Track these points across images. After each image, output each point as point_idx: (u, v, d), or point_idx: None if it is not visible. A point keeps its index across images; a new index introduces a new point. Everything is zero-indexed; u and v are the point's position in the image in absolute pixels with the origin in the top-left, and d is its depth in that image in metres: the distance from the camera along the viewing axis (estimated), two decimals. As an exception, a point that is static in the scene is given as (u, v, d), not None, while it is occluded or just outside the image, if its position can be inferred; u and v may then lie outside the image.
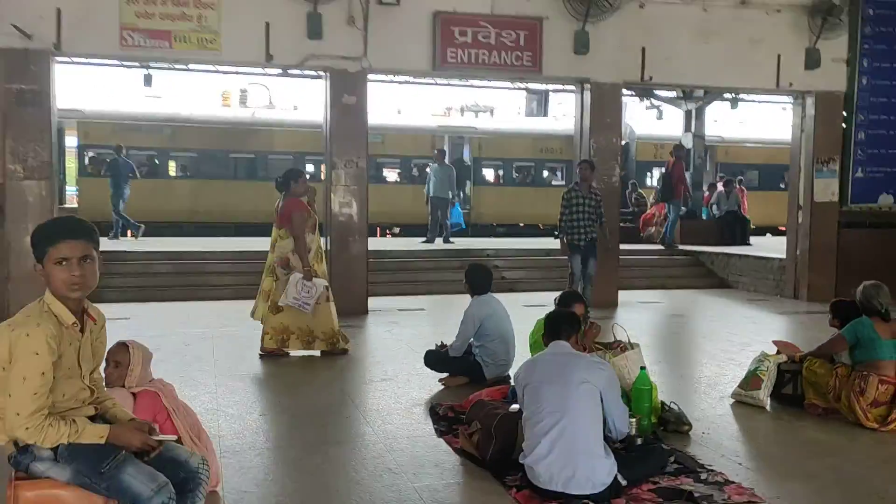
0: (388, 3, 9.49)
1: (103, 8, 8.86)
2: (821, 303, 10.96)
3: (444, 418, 5.06)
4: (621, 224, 12.37)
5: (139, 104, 19.79)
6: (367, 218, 10.06)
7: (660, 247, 15.18)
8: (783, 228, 20.46)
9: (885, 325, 5.13)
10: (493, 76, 10.86)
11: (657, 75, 10.72)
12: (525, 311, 8.31)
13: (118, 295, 10.54)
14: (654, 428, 4.74)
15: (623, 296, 11.03)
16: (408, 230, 19.32)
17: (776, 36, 11.05)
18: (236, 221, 19.07)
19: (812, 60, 11.12)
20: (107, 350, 3.09)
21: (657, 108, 22.61)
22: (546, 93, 23.54)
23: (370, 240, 10.35)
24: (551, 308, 5.27)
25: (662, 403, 4.97)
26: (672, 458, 4.22)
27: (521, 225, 21.66)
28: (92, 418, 2.73)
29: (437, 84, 14.70)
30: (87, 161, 18.73)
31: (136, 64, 11.91)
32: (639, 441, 4.26)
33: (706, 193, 18.26)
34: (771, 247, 14.45)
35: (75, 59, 10.72)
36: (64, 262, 2.59)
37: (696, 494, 3.78)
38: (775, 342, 5.97)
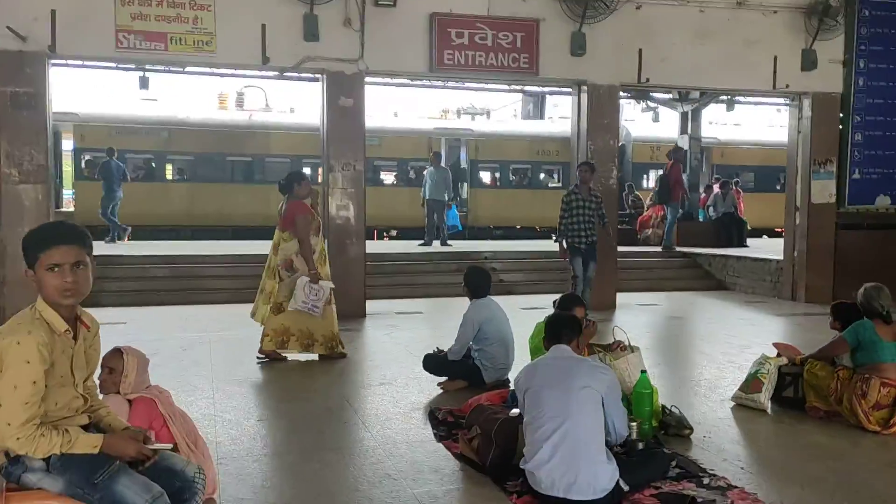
0: (385, 4, 9.46)
1: (98, 10, 8.81)
2: (819, 304, 10.99)
3: (444, 423, 5.01)
4: (618, 226, 12.35)
5: (135, 107, 19.74)
6: (365, 221, 10.03)
7: (657, 248, 15.16)
8: (779, 230, 20.55)
9: (886, 327, 5.09)
10: (489, 78, 10.82)
11: (654, 77, 10.69)
12: (523, 313, 8.29)
13: (115, 299, 10.50)
14: (655, 432, 4.70)
15: (621, 298, 11.01)
16: (405, 233, 19.29)
17: (773, 37, 11.05)
18: (233, 225, 19.03)
19: (808, 62, 11.12)
20: (101, 356, 3.04)
21: (653, 110, 22.58)
22: (542, 95, 23.51)
23: (367, 243, 10.31)
24: (550, 311, 5.25)
25: (663, 407, 4.93)
26: (674, 463, 4.18)
27: (518, 227, 21.64)
28: (85, 427, 2.67)
29: (433, 86, 14.66)
30: (83, 164, 18.66)
31: (132, 66, 11.83)
32: (640, 446, 4.21)
33: (702, 195, 18.26)
34: (768, 248, 14.44)
35: (70, 62, 10.67)
36: (56, 268, 2.53)
37: (698, 500, 3.74)
38: (776, 344, 5.93)
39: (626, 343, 5.10)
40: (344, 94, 9.65)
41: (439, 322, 9.27)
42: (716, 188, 17.73)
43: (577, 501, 3.54)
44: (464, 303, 6.28)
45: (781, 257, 12.18)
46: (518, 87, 15.45)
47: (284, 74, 10.22)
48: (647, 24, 10.56)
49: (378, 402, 5.67)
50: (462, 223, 19.89)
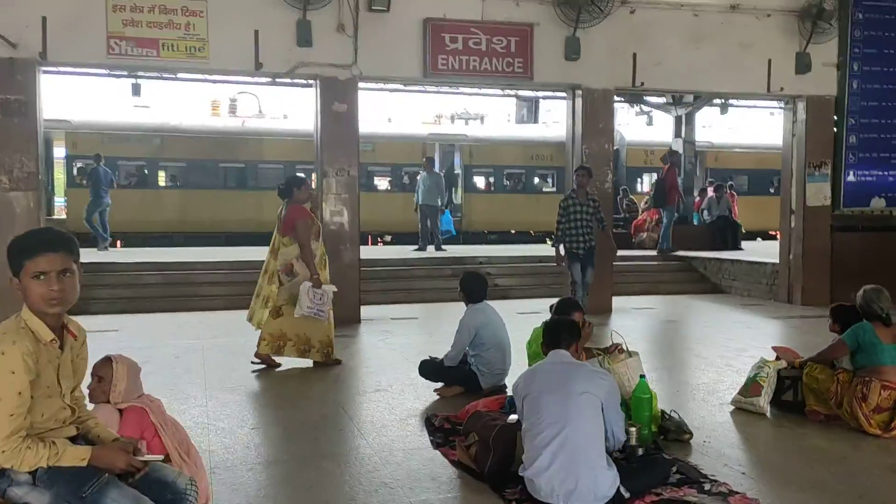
0: (378, 9, 9.42)
1: (90, 16, 8.75)
2: (815, 307, 10.96)
3: (440, 430, 4.95)
4: (613, 230, 12.31)
5: (128, 114, 19.67)
6: (359, 226, 9.97)
7: (652, 252, 15.14)
8: (773, 233, 20.57)
9: (886, 329, 5.06)
10: (484, 83, 10.81)
11: (648, 81, 10.68)
12: (519, 318, 8.22)
13: (106, 307, 10.42)
14: (654, 437, 4.65)
15: (616, 302, 10.97)
16: (399, 238, 19.25)
17: (767, 40, 11.04)
18: (226, 231, 18.95)
19: (803, 65, 11.11)
20: (91, 365, 2.97)
21: (647, 113, 22.65)
22: (536, 100, 23.54)
23: (362, 248, 10.25)
24: (546, 315, 5.21)
25: (662, 412, 4.88)
26: (674, 469, 4.12)
27: (513, 232, 21.62)
28: (73, 439, 2.60)
29: (427, 92, 14.66)
30: (75, 172, 18.57)
31: (124, 73, 11.83)
32: (640, 451, 4.17)
33: (697, 199, 18.27)
34: (763, 251, 14.42)
35: (62, 69, 10.63)
36: (42, 276, 2.47)
37: (700, 506, 3.69)
38: (774, 348, 5.89)
39: (625, 348, 5.05)
40: (338, 100, 9.60)
41: (435, 327, 9.21)
42: (710, 191, 17.75)
43: (577, 509, 3.49)
44: (459, 308, 6.23)
45: (777, 260, 12.16)
46: (512, 92, 15.50)
47: (277, 80, 10.19)
48: (642, 28, 10.55)
49: (374, 409, 5.61)
50: (456, 228, 19.87)
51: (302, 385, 6.53)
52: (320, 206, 9.55)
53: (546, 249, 14.86)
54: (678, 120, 17.30)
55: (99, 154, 15.54)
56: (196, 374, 6.70)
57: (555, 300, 5.45)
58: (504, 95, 16.50)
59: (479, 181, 22.11)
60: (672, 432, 4.75)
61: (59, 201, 20.69)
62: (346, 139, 9.74)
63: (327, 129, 9.68)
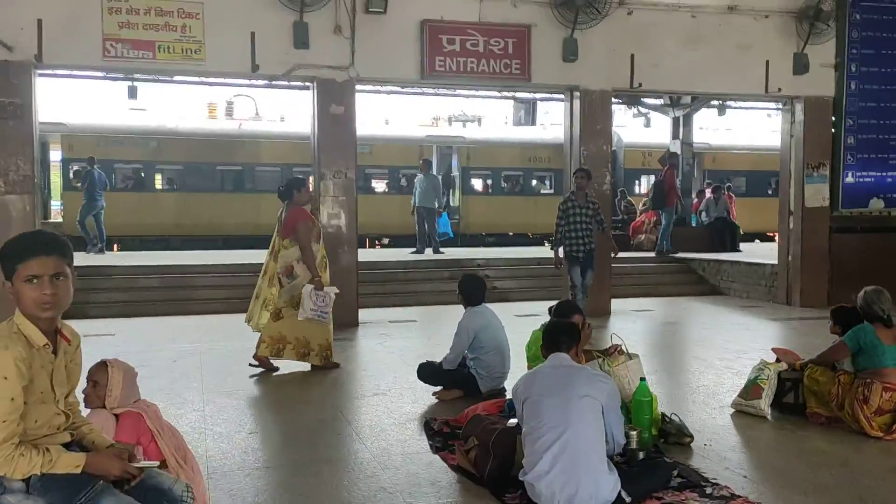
0: (375, 11, 9.39)
1: (85, 18, 8.71)
2: (814, 308, 10.96)
3: (439, 433, 4.91)
4: (612, 232, 12.28)
5: (124, 117, 19.62)
6: (357, 229, 9.93)
7: (650, 254, 15.11)
8: (771, 234, 20.55)
9: (887, 330, 5.02)
10: (481, 84, 10.77)
11: (646, 82, 10.66)
12: (518, 321, 8.19)
13: (103, 310, 10.37)
14: (654, 440, 4.62)
15: (615, 304, 10.95)
16: (397, 241, 19.21)
17: (764, 41, 11.03)
18: (224, 234, 18.91)
19: (800, 66, 11.10)
20: (86, 370, 2.93)
21: (645, 115, 22.63)
22: (534, 102, 23.52)
23: (359, 251, 10.21)
24: (545, 318, 5.17)
25: (663, 415, 4.85)
26: (675, 472, 4.09)
27: (511, 234, 21.59)
28: (68, 445, 2.56)
29: (424, 94, 14.63)
30: (71, 175, 18.50)
31: (120, 76, 11.77)
32: (641, 455, 4.13)
33: (695, 200, 18.25)
34: (761, 253, 14.41)
35: (57, 72, 10.59)
36: (35, 280, 2.42)
37: (702, 510, 3.66)
38: (775, 350, 5.86)
39: (624, 348, 5.02)
40: (335, 102, 9.57)
41: (433, 330, 9.18)
42: (708, 193, 17.73)
43: (578, 514, 3.45)
44: (457, 311, 6.19)
45: (775, 261, 12.14)
46: (510, 94, 15.48)
47: (274, 82, 10.15)
48: (639, 30, 10.53)
49: (372, 413, 5.57)
50: (454, 230, 19.83)
51: (300, 389, 6.49)
52: (317, 209, 9.52)
53: (544, 251, 14.84)
54: (676, 121, 17.29)
55: (92, 157, 15.47)
56: (193, 379, 6.65)
57: (553, 302, 5.42)
58: (502, 97, 16.45)
59: (477, 183, 22.08)
60: (673, 435, 4.72)
61: (56, 204, 20.62)
62: (343, 141, 9.70)
63: (324, 131, 9.65)
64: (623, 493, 3.57)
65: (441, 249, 15.29)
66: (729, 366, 7.15)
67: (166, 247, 18.17)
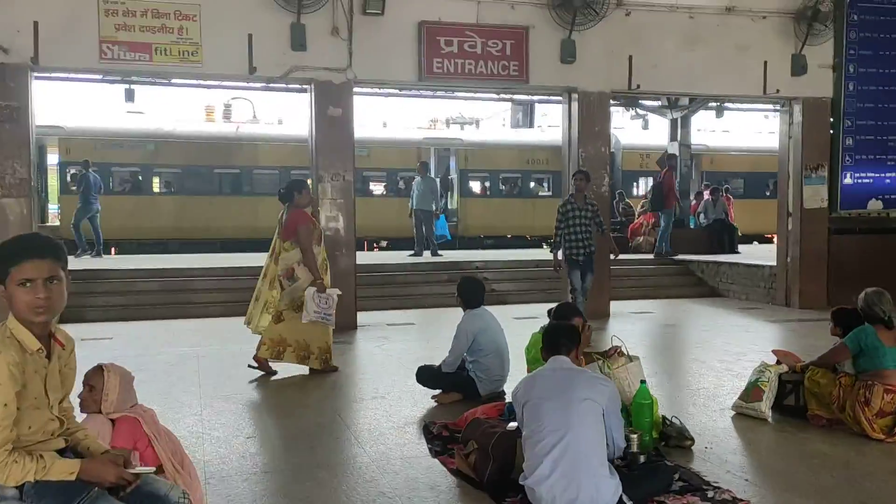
0: (373, 13, 9.36)
1: (82, 21, 8.68)
2: (813, 310, 10.94)
3: (439, 437, 4.88)
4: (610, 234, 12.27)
5: (121, 120, 19.58)
6: (355, 231, 9.90)
7: (649, 256, 15.10)
8: (769, 236, 20.53)
9: (888, 332, 4.99)
10: (479, 86, 10.75)
11: (645, 83, 10.64)
12: (516, 323, 8.17)
13: (101, 314, 10.35)
14: (655, 444, 4.59)
15: (614, 306, 10.92)
16: (395, 243, 19.18)
17: (762, 42, 11.02)
18: (221, 237, 18.86)
19: (798, 67, 11.09)
20: (81, 375, 2.89)
21: (643, 117, 22.61)
22: (532, 104, 23.47)
23: (358, 254, 10.18)
24: (544, 320, 5.14)
25: (663, 418, 4.82)
26: (677, 476, 4.06)
27: (509, 236, 21.57)
28: (62, 451, 2.52)
29: (422, 96, 14.61)
30: (68, 178, 18.45)
31: (118, 78, 11.73)
32: (642, 458, 4.10)
33: (693, 202, 18.23)
34: (760, 254, 14.40)
35: (54, 75, 10.54)
36: (28, 284, 2.38)
37: (704, 514, 3.63)
38: (775, 352, 5.83)
39: (626, 353, 4.99)
40: (332, 104, 9.54)
41: (432, 333, 9.15)
42: (706, 195, 17.72)
43: (579, 518, 3.42)
44: (456, 313, 6.16)
45: (774, 263, 12.12)
46: (507, 96, 15.44)
47: (272, 84, 10.12)
48: (637, 31, 10.51)
49: (371, 417, 5.53)
50: (452, 233, 19.80)
51: (298, 393, 6.45)
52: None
53: (543, 253, 14.81)
54: (674, 123, 17.27)
55: (87, 160, 15.41)
56: (191, 383, 6.61)
57: (553, 305, 5.39)
58: (499, 100, 16.42)
59: (475, 186, 22.06)
60: (673, 438, 4.69)
61: (53, 208, 20.56)
62: (341, 143, 9.67)
63: (322, 133, 9.62)
64: (624, 498, 3.53)
65: (439, 252, 15.26)
66: (729, 368, 7.13)
67: (164, 250, 18.13)
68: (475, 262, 13.53)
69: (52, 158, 19.37)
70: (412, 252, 15.19)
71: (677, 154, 16.79)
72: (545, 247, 19.26)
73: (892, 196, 11.81)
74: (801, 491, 4.05)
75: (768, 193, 22.14)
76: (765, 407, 5.29)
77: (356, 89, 9.86)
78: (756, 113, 22.16)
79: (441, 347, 6.18)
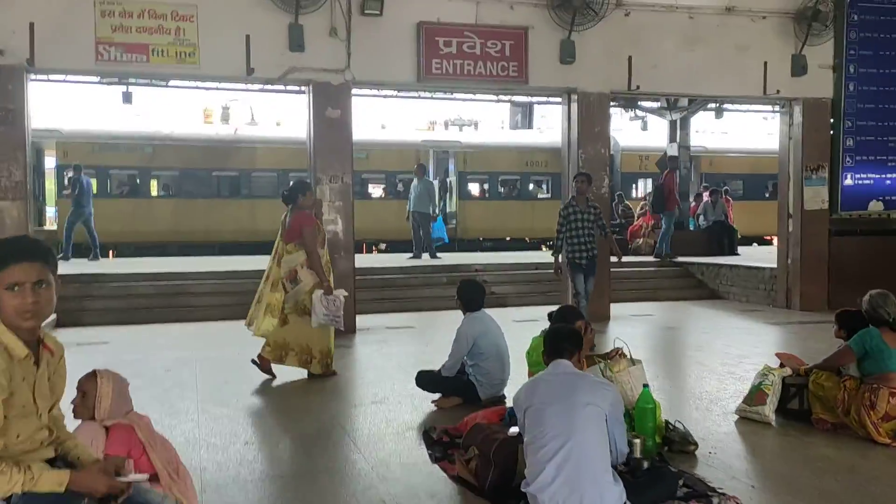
0: (371, 13, 9.31)
1: (78, 22, 8.62)
2: (814, 312, 10.89)
3: (439, 443, 4.81)
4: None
5: (119, 123, 19.50)
6: (354, 234, 9.84)
7: (648, 258, 15.04)
8: (768, 238, 20.49)
9: (893, 335, 4.93)
10: (478, 87, 10.69)
11: (644, 84, 10.58)
12: (516, 326, 8.10)
13: (97, 318, 10.27)
14: (658, 449, 4.52)
15: (615, 309, 10.85)
16: (394, 246, 19.12)
17: (762, 43, 10.98)
18: (220, 241, 18.79)
19: (798, 67, 11.04)
20: (74, 381, 2.83)
21: (642, 118, 22.58)
22: (531, 105, 23.42)
23: (356, 256, 10.12)
24: (544, 323, 5.08)
25: (666, 422, 4.75)
26: (681, 482, 3.99)
27: (508, 239, 21.51)
28: (52, 461, 2.45)
29: (421, 98, 14.54)
30: (66, 181, 18.36)
31: (115, 80, 11.67)
32: (645, 464, 4.03)
33: (692, 204, 18.18)
34: (759, 256, 14.35)
35: (51, 77, 10.49)
36: (16, 288, 2.32)
37: (709, 521, 3.56)
38: (779, 355, 5.77)
39: (627, 352, 4.92)
40: (331, 105, 9.48)
41: (431, 337, 9.08)
42: (706, 196, 17.67)
43: (582, 526, 3.35)
44: (456, 316, 6.09)
45: (774, 265, 12.06)
46: (506, 98, 15.38)
47: (270, 86, 10.06)
48: (637, 31, 10.47)
49: (370, 422, 5.46)
50: (451, 235, 19.74)
51: (297, 398, 6.39)
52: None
53: (542, 256, 14.75)
54: (673, 125, 17.21)
55: (79, 164, 15.30)
56: (188, 388, 6.53)
57: (553, 308, 5.33)
58: (498, 101, 16.35)
59: (474, 188, 22.00)
60: (677, 443, 4.62)
61: (51, 211, 20.47)
62: (339, 145, 9.61)
63: (320, 135, 9.55)
64: (628, 504, 3.47)
65: (438, 254, 15.20)
66: (731, 371, 7.06)
67: (162, 253, 18.04)
68: (474, 265, 13.46)
69: (51, 162, 19.29)
70: (411, 255, 15.13)
71: (677, 155, 16.73)
72: (544, 249, 19.22)
73: (893, 197, 11.76)
74: (805, 496, 3.99)
75: (767, 195, 22.11)
76: (768, 411, 5.23)
77: (355, 90, 9.81)
78: (754, 114, 22.13)
79: (441, 351, 6.12)
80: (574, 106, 10.50)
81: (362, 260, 12.73)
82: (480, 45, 9.77)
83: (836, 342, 5.40)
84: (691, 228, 17.62)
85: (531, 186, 22.25)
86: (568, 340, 3.85)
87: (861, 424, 4.86)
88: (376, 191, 21.34)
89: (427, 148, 21.45)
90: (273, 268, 6.96)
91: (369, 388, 6.55)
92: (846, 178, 11.55)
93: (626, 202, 19.41)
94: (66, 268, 11.94)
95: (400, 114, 28.48)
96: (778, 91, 11.12)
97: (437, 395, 5.89)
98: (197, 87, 11.92)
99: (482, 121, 29.41)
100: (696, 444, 4.64)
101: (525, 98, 17.81)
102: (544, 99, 16.76)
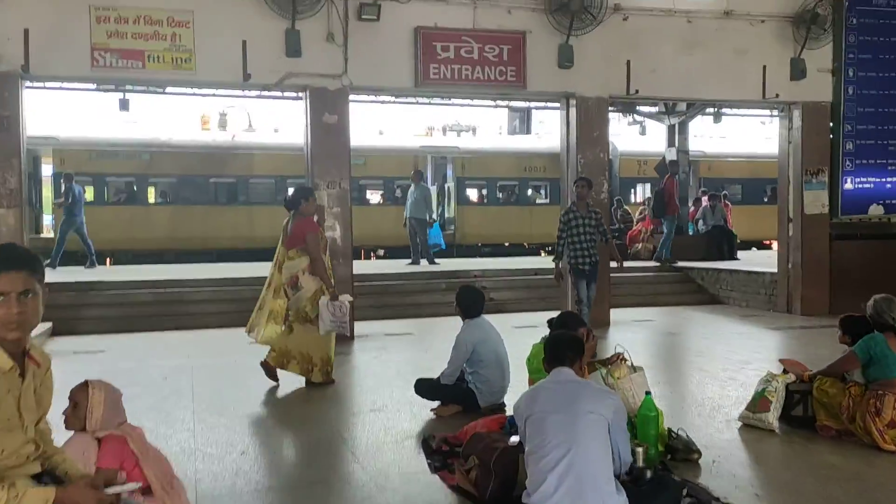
0: (368, 18, 9.27)
1: (73, 28, 8.57)
2: (815, 317, 10.83)
3: (438, 452, 4.73)
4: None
5: (116, 130, 19.44)
6: (352, 240, 9.78)
7: (648, 263, 14.99)
8: (768, 242, 20.44)
9: (899, 340, 4.87)
10: (476, 92, 10.64)
11: (643, 88, 10.53)
12: (516, 332, 8.04)
13: (94, 326, 10.19)
14: (661, 457, 4.45)
15: (614, 314, 10.78)
16: (392, 252, 19.06)
17: (761, 47, 10.94)
18: (217, 248, 18.72)
19: (797, 71, 11.01)
20: (63, 393, 2.76)
21: (640, 123, 22.54)
22: (529, 110, 23.43)
23: (355, 263, 10.05)
24: (544, 329, 5.00)
25: (669, 430, 4.68)
26: (685, 491, 3.91)
27: (507, 244, 21.45)
28: (38, 476, 2.38)
29: (419, 103, 14.50)
30: (62, 189, 18.27)
31: (111, 87, 11.61)
32: (648, 473, 3.95)
33: (692, 208, 18.14)
34: (759, 261, 14.29)
35: (48, 84, 10.44)
36: (1, 297, 2.26)
37: (714, 532, 3.49)
38: (782, 361, 5.71)
39: (627, 358, 4.86)
40: (328, 111, 9.43)
41: (430, 343, 9.01)
42: (705, 201, 17.62)
43: (585, 537, 3.28)
44: (455, 322, 6.02)
45: (775, 270, 12.00)
46: (504, 103, 15.34)
47: (267, 92, 10.00)
48: (635, 36, 10.43)
49: (369, 431, 5.39)
50: (449, 241, 19.67)
51: (295, 406, 6.32)
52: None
53: (541, 261, 14.70)
54: (671, 129, 17.18)
55: (70, 173, 15.22)
56: (184, 396, 6.46)
57: (553, 314, 5.26)
58: (496, 106, 16.32)
59: (472, 193, 21.95)
60: (680, 452, 4.55)
61: (47, 219, 20.39)
62: (337, 151, 9.56)
63: (318, 141, 9.50)
64: (632, 515, 3.40)
65: (436, 260, 15.14)
66: (733, 377, 6.99)
67: (159, 261, 17.96)
68: (473, 271, 13.40)
69: (48, 169, 19.21)
70: (410, 261, 15.08)
71: (676, 160, 16.69)
72: (543, 254, 19.17)
73: (894, 201, 11.71)
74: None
75: (766, 199, 22.07)
76: (772, 418, 5.16)
77: (352, 96, 9.76)
78: (752, 119, 22.09)
79: (440, 357, 6.05)
80: (572, 111, 10.46)
81: (360, 266, 12.66)
82: (478, 50, 9.73)
83: (840, 347, 5.35)
84: (690, 233, 17.57)
85: (529, 192, 22.21)
86: (569, 347, 3.78)
87: (866, 431, 4.80)
88: (374, 197, 21.28)
89: (425, 154, 21.41)
90: (275, 274, 6.90)
91: (368, 396, 6.48)
92: (846, 181, 11.51)
93: (625, 207, 19.36)
94: (63, 276, 11.93)
95: (398, 119, 28.45)
96: (777, 95, 11.08)
97: (436, 403, 5.81)
98: (194, 94, 11.87)
99: (480, 126, 29.39)
100: (699, 453, 4.57)
101: (523, 103, 17.81)
102: (542, 104, 16.78)
